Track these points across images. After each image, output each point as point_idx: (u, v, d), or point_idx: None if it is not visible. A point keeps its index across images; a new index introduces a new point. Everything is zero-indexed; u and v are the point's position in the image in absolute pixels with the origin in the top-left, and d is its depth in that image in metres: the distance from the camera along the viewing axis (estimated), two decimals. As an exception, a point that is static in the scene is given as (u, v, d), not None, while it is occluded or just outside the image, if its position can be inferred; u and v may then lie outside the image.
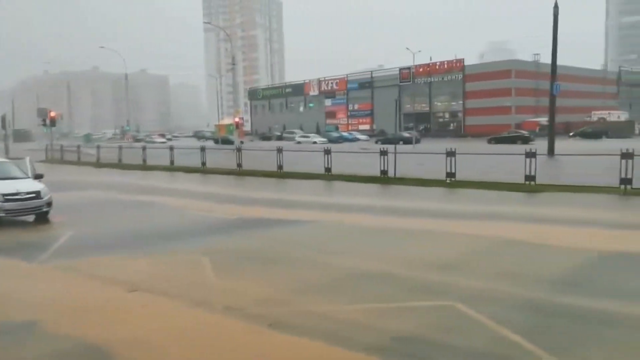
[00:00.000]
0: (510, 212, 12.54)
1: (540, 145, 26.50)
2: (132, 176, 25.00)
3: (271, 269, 7.98)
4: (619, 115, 66.81)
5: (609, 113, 67.26)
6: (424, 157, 24.23)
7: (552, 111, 30.40)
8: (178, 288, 7.07)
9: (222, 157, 28.74)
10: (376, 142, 48.93)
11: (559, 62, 30.28)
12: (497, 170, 20.01)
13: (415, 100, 73.83)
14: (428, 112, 76.15)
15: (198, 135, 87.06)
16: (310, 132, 72.45)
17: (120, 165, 30.48)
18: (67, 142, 52.91)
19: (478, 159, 23.59)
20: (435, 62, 73.82)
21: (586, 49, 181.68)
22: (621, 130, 54.75)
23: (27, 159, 17.21)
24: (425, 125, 75.49)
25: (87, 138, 75.34)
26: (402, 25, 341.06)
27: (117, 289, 7.10)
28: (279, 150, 23.11)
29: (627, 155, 15.11)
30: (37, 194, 12.22)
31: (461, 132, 69.88)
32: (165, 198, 16.54)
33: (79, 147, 37.35)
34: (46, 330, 5.68)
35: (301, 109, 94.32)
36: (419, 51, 71.38)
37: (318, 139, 58.96)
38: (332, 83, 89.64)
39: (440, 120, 77.35)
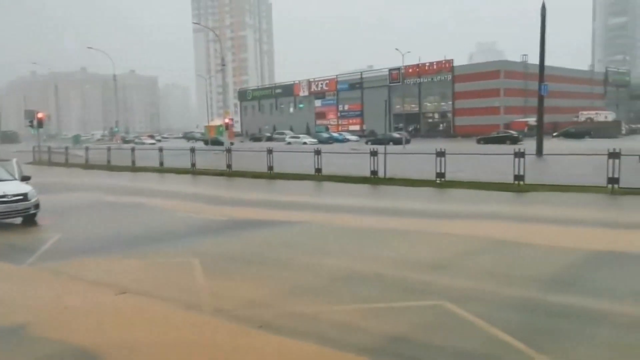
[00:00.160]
0: (500, 212, 12.61)
1: (528, 145, 26.70)
2: (121, 178, 24.81)
3: (261, 270, 7.95)
4: (607, 116, 67.53)
5: (596, 113, 67.97)
6: (414, 158, 24.30)
7: (540, 111, 30.64)
8: (168, 290, 7.03)
9: (212, 158, 28.66)
10: (366, 143, 49.04)
11: (547, 63, 30.52)
12: (486, 170, 20.11)
13: (404, 100, 74.16)
14: (418, 112, 76.44)
15: (188, 137, 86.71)
16: (301, 133, 72.54)
17: (109, 167, 30.24)
18: (55, 144, 52.41)
19: (468, 159, 23.71)
20: (425, 63, 74.15)
21: (574, 50, 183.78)
22: (608, 131, 55.32)
23: (14, 160, 16.98)
24: (415, 126, 75.82)
25: (76, 139, 74.64)
26: (391, 26, 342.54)
27: (106, 291, 7.03)
28: (269, 151, 23.06)
29: (614, 155, 15.27)
30: (25, 196, 12.08)
31: (451, 133, 70.24)
32: (155, 200, 16.44)
33: (67, 148, 36.99)
34: (34, 334, 5.61)
35: (291, 109, 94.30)
36: (408, 52, 71.86)
37: (308, 139, 59.00)
38: (321, 84, 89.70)
39: (430, 120, 77.68)
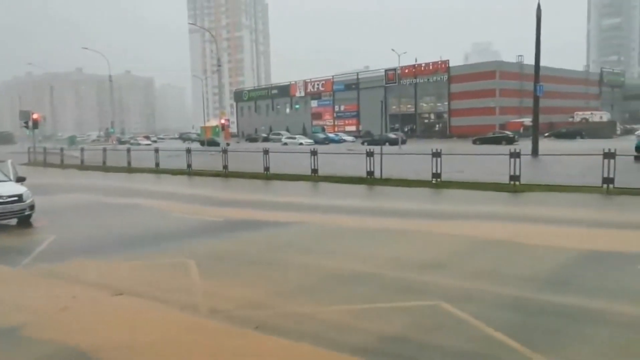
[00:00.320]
0: (496, 212, 12.64)
1: (524, 145, 26.75)
2: (116, 179, 24.75)
3: (257, 271, 7.95)
4: (602, 116, 67.70)
5: (591, 113, 68.15)
6: (410, 158, 24.33)
7: (536, 112, 30.72)
8: (163, 291, 7.02)
9: (208, 159, 28.61)
10: (362, 143, 49.09)
11: (542, 63, 30.64)
12: (482, 171, 20.16)
13: (401, 101, 74.21)
14: (414, 113, 76.51)
15: (184, 137, 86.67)
16: (297, 133, 72.57)
17: (104, 168, 30.16)
18: (51, 145, 52.23)
19: (464, 159, 23.75)
20: (421, 64, 74.24)
21: (569, 50, 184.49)
22: (603, 131, 55.48)
23: (9, 161, 16.95)
24: (411, 127, 75.86)
25: (71, 140, 74.42)
26: (387, 27, 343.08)
27: (102, 292, 7.02)
28: (266, 152, 23.04)
29: (609, 155, 15.33)
30: (19, 198, 12.04)
31: (447, 133, 70.31)
32: (151, 201, 16.40)
33: (62, 149, 36.88)
34: (29, 335, 5.61)
35: (287, 110, 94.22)
36: (405, 52, 71.89)
37: (304, 140, 59.00)
38: (318, 84, 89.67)
39: (426, 121, 77.76)
